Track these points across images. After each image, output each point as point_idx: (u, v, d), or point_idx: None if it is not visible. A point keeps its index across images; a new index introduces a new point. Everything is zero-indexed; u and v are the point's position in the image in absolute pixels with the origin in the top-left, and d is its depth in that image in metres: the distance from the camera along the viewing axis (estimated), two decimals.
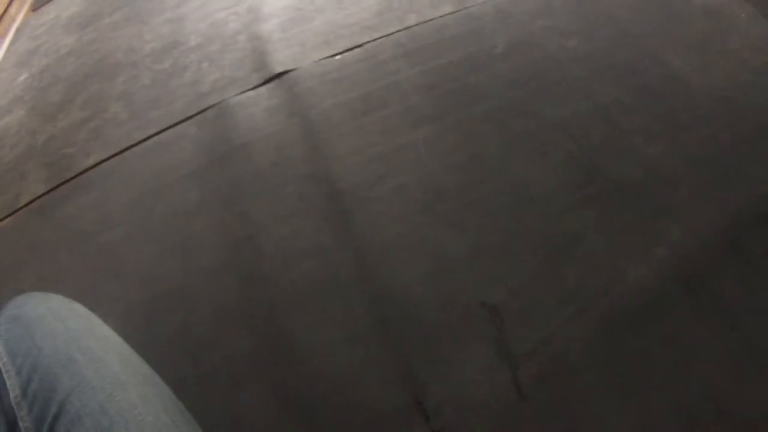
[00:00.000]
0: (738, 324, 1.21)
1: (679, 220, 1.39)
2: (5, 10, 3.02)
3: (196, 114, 2.00)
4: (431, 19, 2.12)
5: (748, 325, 1.20)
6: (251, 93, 2.02)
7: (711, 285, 1.27)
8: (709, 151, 1.51)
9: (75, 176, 1.91)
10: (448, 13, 2.14)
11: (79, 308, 1.05)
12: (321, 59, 2.08)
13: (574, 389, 1.17)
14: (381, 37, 2.10)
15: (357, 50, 2.07)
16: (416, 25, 2.12)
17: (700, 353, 1.18)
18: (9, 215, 1.85)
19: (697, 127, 1.56)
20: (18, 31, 3.02)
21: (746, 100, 1.62)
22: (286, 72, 2.06)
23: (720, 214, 1.39)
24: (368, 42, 2.09)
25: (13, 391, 0.87)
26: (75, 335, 0.93)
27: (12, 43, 2.92)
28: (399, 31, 2.11)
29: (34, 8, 3.18)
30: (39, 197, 1.88)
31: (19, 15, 3.13)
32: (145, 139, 1.96)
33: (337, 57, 2.06)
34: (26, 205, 1.87)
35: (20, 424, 0.83)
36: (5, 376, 0.89)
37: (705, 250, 1.33)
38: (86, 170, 1.92)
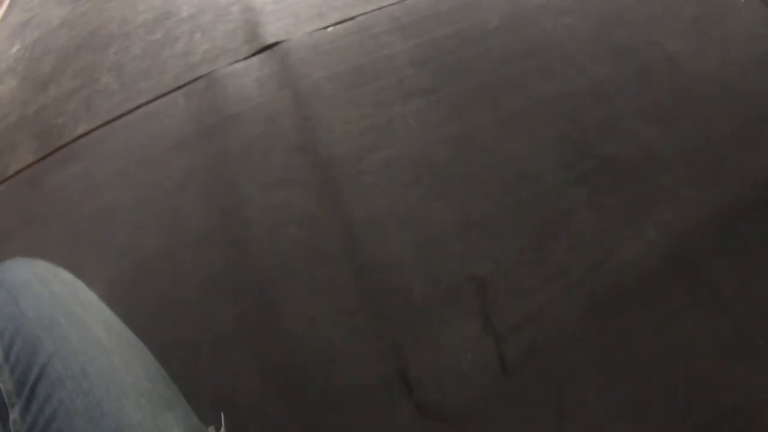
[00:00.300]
0: (728, 309, 1.20)
1: (672, 203, 1.37)
2: None
3: (186, 84, 1.99)
4: None
5: (739, 311, 1.19)
6: (242, 63, 2.01)
7: (702, 269, 1.26)
8: (704, 135, 1.49)
9: (64, 146, 1.91)
10: None
11: (64, 274, 1.04)
12: (313, 31, 2.06)
13: (559, 366, 1.17)
14: (375, 10, 2.08)
15: (350, 23, 2.06)
16: None
17: (689, 336, 1.17)
18: None
19: (693, 110, 1.55)
20: (11, 3, 3.01)
21: (743, 86, 1.60)
22: (277, 43, 2.04)
23: (713, 199, 1.37)
24: (361, 15, 2.08)
25: None
26: (59, 300, 0.93)
27: (5, 15, 2.91)
28: (393, 4, 2.09)
29: None
30: (28, 166, 1.88)
31: None
32: (134, 109, 1.96)
33: (330, 29, 2.05)
34: (16, 174, 1.86)
35: (1, 387, 0.83)
36: None
37: (697, 233, 1.32)
38: (75, 140, 1.91)
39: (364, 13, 2.07)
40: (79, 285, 1.03)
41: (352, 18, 2.07)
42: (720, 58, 1.68)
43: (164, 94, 1.97)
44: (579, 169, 1.48)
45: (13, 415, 0.80)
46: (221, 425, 0.98)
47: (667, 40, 1.75)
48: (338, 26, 2.05)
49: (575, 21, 1.87)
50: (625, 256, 1.30)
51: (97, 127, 1.93)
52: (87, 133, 1.92)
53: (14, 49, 2.56)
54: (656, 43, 1.74)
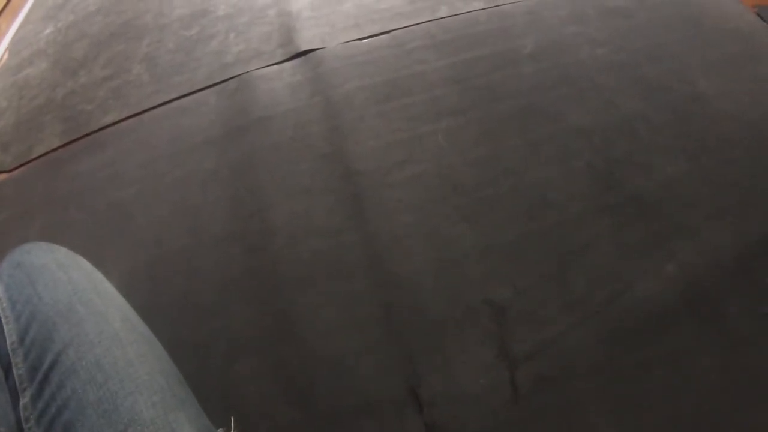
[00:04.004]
0: (740, 351, 1.19)
1: (693, 241, 1.37)
2: None
3: (219, 83, 2.00)
4: (462, 13, 2.11)
5: (750, 354, 1.19)
6: (275, 67, 2.01)
7: (717, 309, 1.25)
8: (729, 175, 1.48)
9: (91, 133, 1.92)
10: (480, 9, 2.12)
11: (84, 262, 1.05)
12: (348, 41, 2.06)
13: (570, 396, 1.16)
14: (411, 26, 2.08)
15: (385, 36, 2.06)
16: (447, 17, 2.10)
17: (700, 376, 1.16)
18: (21, 165, 1.85)
19: (720, 150, 1.54)
20: None
21: None
22: (312, 50, 2.05)
23: (734, 240, 1.36)
24: (398, 29, 2.08)
25: (10, 337, 0.87)
26: (77, 287, 0.93)
27: None
28: (429, 21, 2.09)
29: None
30: (53, 150, 1.89)
31: None
32: (164, 103, 1.96)
33: (365, 41, 2.05)
34: (39, 157, 1.87)
35: (14, 371, 0.83)
36: (3, 321, 0.89)
37: (715, 273, 1.31)
38: (103, 128, 1.92)
39: (401, 28, 2.08)
40: (98, 275, 1.04)
41: (389, 32, 2.07)
42: (751, 99, 1.67)
43: (195, 91, 1.98)
44: (603, 201, 1.47)
45: (24, 400, 0.80)
46: (231, 429, 0.97)
47: (699, 78, 1.74)
48: (374, 39, 2.05)
49: (609, 53, 1.87)
50: (643, 291, 1.30)
51: (126, 118, 1.93)
52: (114, 123, 1.92)
53: (47, 31, 2.58)
54: (687, 80, 1.74)
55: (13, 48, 2.53)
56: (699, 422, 1.11)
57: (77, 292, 0.92)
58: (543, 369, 1.20)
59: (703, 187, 1.47)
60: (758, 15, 1.95)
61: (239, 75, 2.01)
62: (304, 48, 2.06)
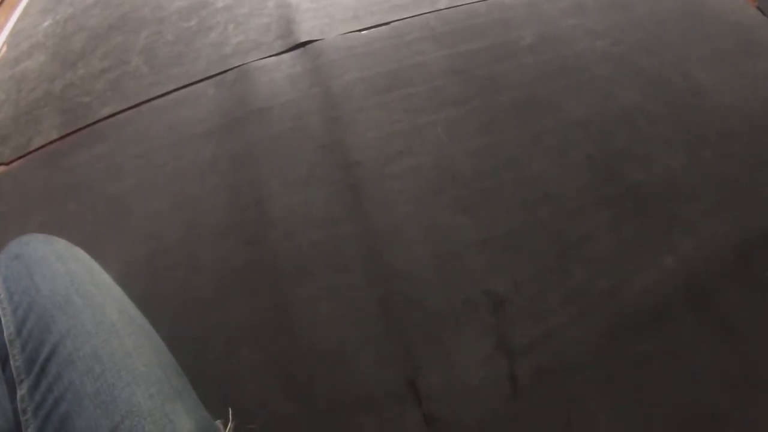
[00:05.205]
0: (739, 343, 1.20)
1: (692, 234, 1.37)
2: None
3: (217, 74, 1.99)
4: (462, 5, 2.10)
5: (750, 345, 1.19)
6: (274, 59, 2.00)
7: (716, 301, 1.26)
8: (728, 168, 1.49)
9: (89, 125, 1.91)
10: (479, 1, 2.11)
11: (82, 254, 1.05)
12: (347, 33, 2.06)
13: (569, 389, 1.17)
14: (410, 17, 2.08)
15: (384, 27, 2.05)
16: (447, 8, 2.09)
17: (699, 368, 1.17)
18: (19, 158, 1.85)
19: (719, 143, 1.54)
20: None
21: None
22: (311, 42, 2.04)
23: (733, 232, 1.37)
24: (397, 20, 2.07)
25: (8, 328, 0.87)
26: (75, 279, 0.93)
27: None
28: (429, 12, 2.09)
29: None
30: (51, 142, 1.88)
31: None
32: (163, 95, 1.96)
33: (364, 32, 2.04)
34: (38, 149, 1.87)
35: (11, 362, 0.83)
36: (1, 312, 0.89)
37: (714, 265, 1.31)
38: (101, 120, 1.91)
39: (400, 19, 2.07)
40: (96, 267, 1.03)
41: (388, 23, 2.06)
42: (749, 92, 1.67)
43: (194, 83, 1.97)
44: (602, 193, 1.47)
45: (21, 391, 0.80)
46: (229, 420, 0.97)
47: (698, 71, 1.74)
48: (373, 30, 2.05)
49: (608, 45, 1.87)
50: (642, 283, 1.30)
51: (124, 110, 1.93)
52: (113, 115, 1.92)
53: (45, 24, 2.56)
54: (687, 74, 1.73)
55: (11, 41, 2.52)
56: (699, 415, 1.11)
57: (75, 283, 0.91)
58: (542, 362, 1.20)
59: (701, 180, 1.47)
60: (758, 8, 1.95)
61: (238, 66, 2.00)
62: (303, 39, 2.05)
